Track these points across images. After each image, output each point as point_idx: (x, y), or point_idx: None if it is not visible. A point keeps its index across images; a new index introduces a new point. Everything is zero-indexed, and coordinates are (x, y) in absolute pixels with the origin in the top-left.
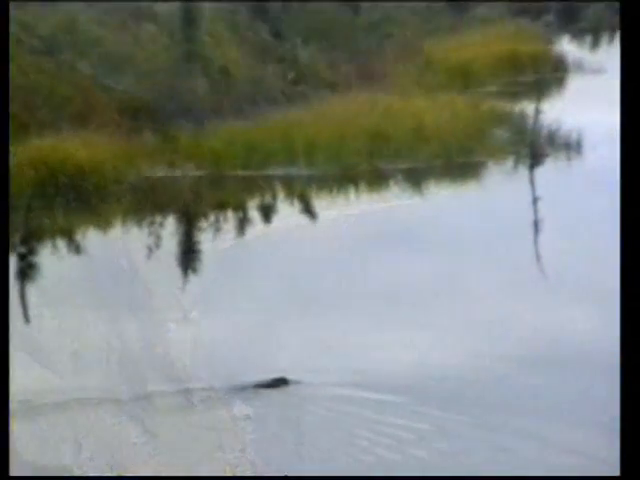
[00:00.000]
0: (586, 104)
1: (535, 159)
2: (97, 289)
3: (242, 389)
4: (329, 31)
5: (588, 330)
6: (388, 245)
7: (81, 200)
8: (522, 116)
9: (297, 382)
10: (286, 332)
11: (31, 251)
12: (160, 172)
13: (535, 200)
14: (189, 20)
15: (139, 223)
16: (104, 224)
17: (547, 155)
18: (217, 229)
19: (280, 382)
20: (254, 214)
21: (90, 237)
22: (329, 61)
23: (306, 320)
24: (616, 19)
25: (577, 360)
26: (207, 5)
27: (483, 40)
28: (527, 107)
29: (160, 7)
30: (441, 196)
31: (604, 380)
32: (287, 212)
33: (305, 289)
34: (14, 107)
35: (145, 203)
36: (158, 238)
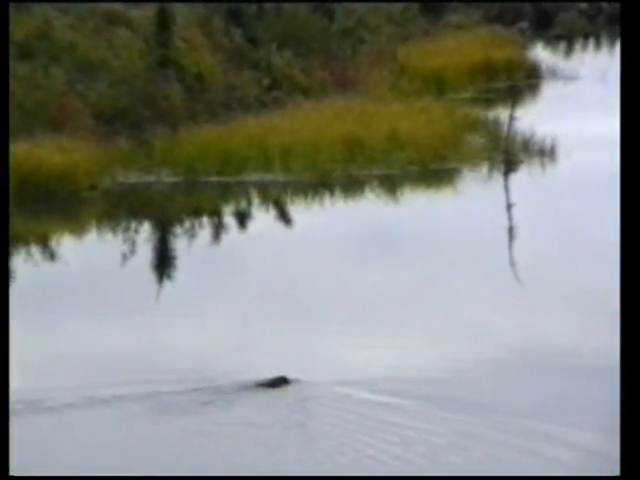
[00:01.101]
0: (560, 110)
1: (509, 165)
2: (72, 295)
3: (244, 388)
4: (304, 37)
5: (562, 334)
6: (363, 251)
7: (55, 206)
8: (496, 122)
9: (297, 381)
10: (262, 336)
11: None
12: (135, 178)
13: (509, 206)
14: (163, 26)
15: (114, 229)
16: (79, 230)
17: (521, 161)
18: (192, 235)
19: (281, 381)
20: (229, 220)
21: (65, 243)
22: (304, 67)
23: (282, 325)
24: (589, 26)
25: (551, 363)
26: (181, 11)
27: (457, 46)
28: (501, 113)
29: (134, 13)
30: (416, 202)
31: (577, 382)
32: (262, 218)
33: (281, 294)
34: None
35: (120, 209)
36: (133, 244)
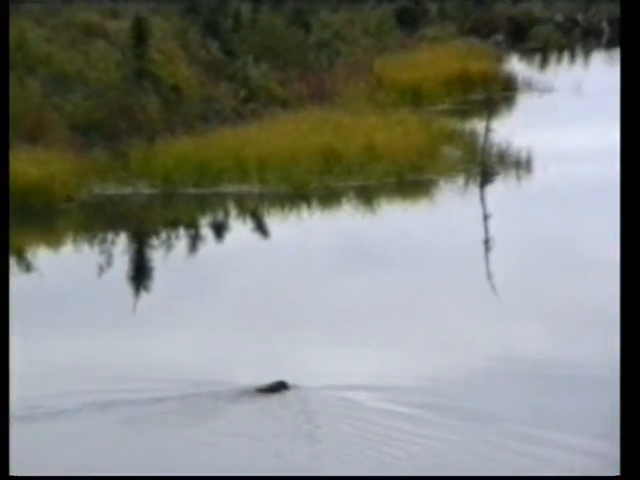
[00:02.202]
0: (535, 122)
1: (485, 177)
2: (48, 307)
3: (245, 393)
4: (280, 49)
5: (538, 345)
6: (340, 262)
7: (31, 218)
8: (473, 134)
9: (296, 386)
10: (240, 347)
11: None
12: (111, 189)
13: (486, 218)
14: (140, 38)
15: (90, 241)
16: (55, 242)
17: (497, 173)
18: (169, 247)
19: (280, 386)
20: (206, 231)
21: (41, 255)
22: (280, 79)
23: (260, 335)
24: (564, 39)
25: (527, 374)
26: (158, 23)
27: (434, 59)
28: (477, 125)
29: (111, 25)
30: (393, 214)
31: (553, 392)
32: (239, 229)
33: (258, 305)
34: None
35: (96, 221)
36: (109, 256)
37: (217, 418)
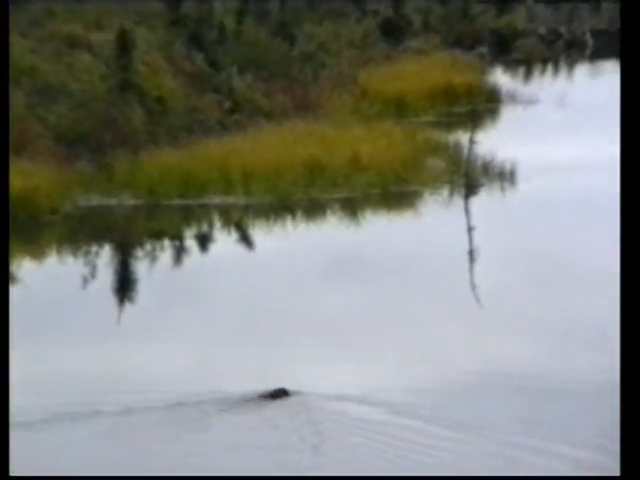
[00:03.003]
0: (519, 134)
1: (470, 189)
2: (32, 318)
3: (248, 400)
4: (265, 61)
5: (523, 357)
6: (325, 274)
7: (16, 229)
8: (457, 146)
9: (297, 393)
10: (225, 358)
11: None
12: (96, 201)
13: (470, 229)
14: (124, 49)
15: (74, 252)
16: (39, 254)
17: (482, 185)
18: (153, 258)
19: (281, 393)
20: (191, 243)
21: (25, 267)
22: (265, 91)
23: (243, 347)
24: (548, 51)
25: (510, 387)
26: (142, 35)
27: (418, 71)
28: (462, 137)
29: (95, 36)
30: (377, 225)
31: (536, 404)
32: (224, 241)
33: (242, 317)
34: None
35: (80, 232)
36: (94, 267)
37: (206, 430)
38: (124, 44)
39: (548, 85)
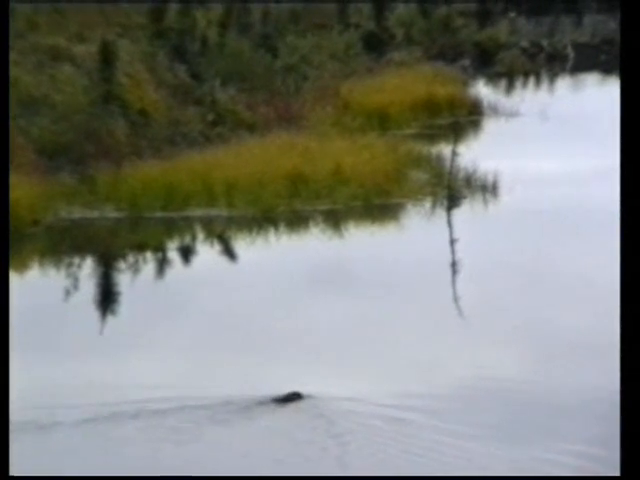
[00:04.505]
0: (502, 146)
1: (452, 201)
2: (14, 331)
3: (261, 403)
4: (248, 73)
5: (506, 369)
6: (308, 285)
7: None
8: (439, 158)
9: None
10: (206, 371)
11: None
12: (78, 213)
13: (453, 241)
14: (107, 61)
15: (57, 265)
16: (21, 266)
17: (464, 197)
18: (136, 270)
19: (295, 396)
20: (173, 255)
21: None
22: (248, 103)
23: (226, 359)
24: (529, 64)
25: (494, 398)
26: (125, 47)
27: (400, 83)
28: (444, 150)
29: (78, 48)
30: (360, 237)
31: (520, 417)
32: (207, 253)
33: (225, 329)
34: None
35: (63, 244)
36: (76, 280)
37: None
38: (107, 56)
39: (530, 98)
